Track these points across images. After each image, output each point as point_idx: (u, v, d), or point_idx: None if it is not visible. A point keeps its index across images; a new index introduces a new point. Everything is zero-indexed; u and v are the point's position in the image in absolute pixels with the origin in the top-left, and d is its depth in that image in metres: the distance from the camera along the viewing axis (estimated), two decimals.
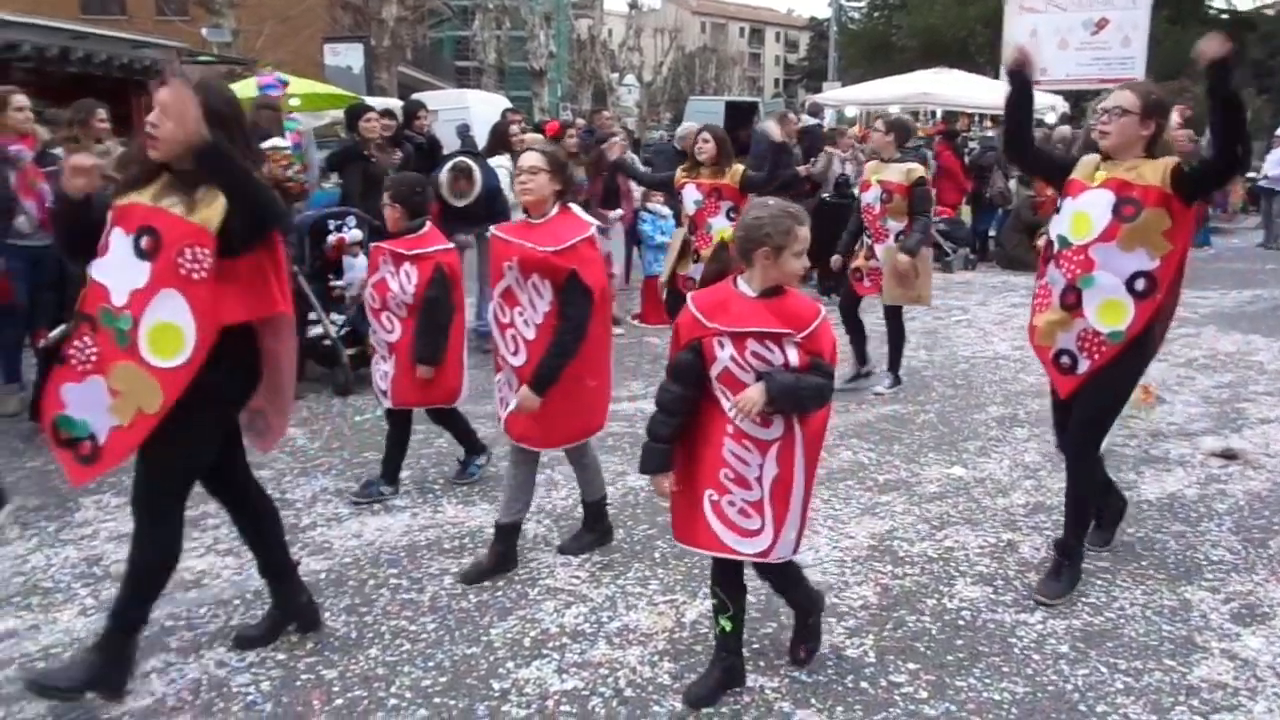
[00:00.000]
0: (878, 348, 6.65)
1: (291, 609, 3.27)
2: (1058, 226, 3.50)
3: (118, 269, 2.71)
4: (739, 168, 6.17)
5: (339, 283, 6.55)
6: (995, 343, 7.93)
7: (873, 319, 6.68)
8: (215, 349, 2.70)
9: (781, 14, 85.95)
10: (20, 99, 5.57)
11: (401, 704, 2.89)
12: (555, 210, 3.56)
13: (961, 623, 3.38)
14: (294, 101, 12.87)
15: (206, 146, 2.58)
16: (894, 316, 6.48)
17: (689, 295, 2.85)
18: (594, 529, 4.01)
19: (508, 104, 16.46)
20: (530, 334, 3.54)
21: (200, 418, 2.77)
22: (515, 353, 3.59)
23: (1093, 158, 3.50)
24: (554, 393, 3.53)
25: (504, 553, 3.77)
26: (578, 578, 3.72)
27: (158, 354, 2.67)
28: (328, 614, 3.41)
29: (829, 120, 15.38)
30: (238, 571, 3.75)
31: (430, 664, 3.10)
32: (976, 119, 15.90)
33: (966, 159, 12.50)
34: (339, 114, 13.99)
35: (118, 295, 2.68)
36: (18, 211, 5.48)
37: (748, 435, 2.72)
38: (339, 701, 2.90)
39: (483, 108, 15.71)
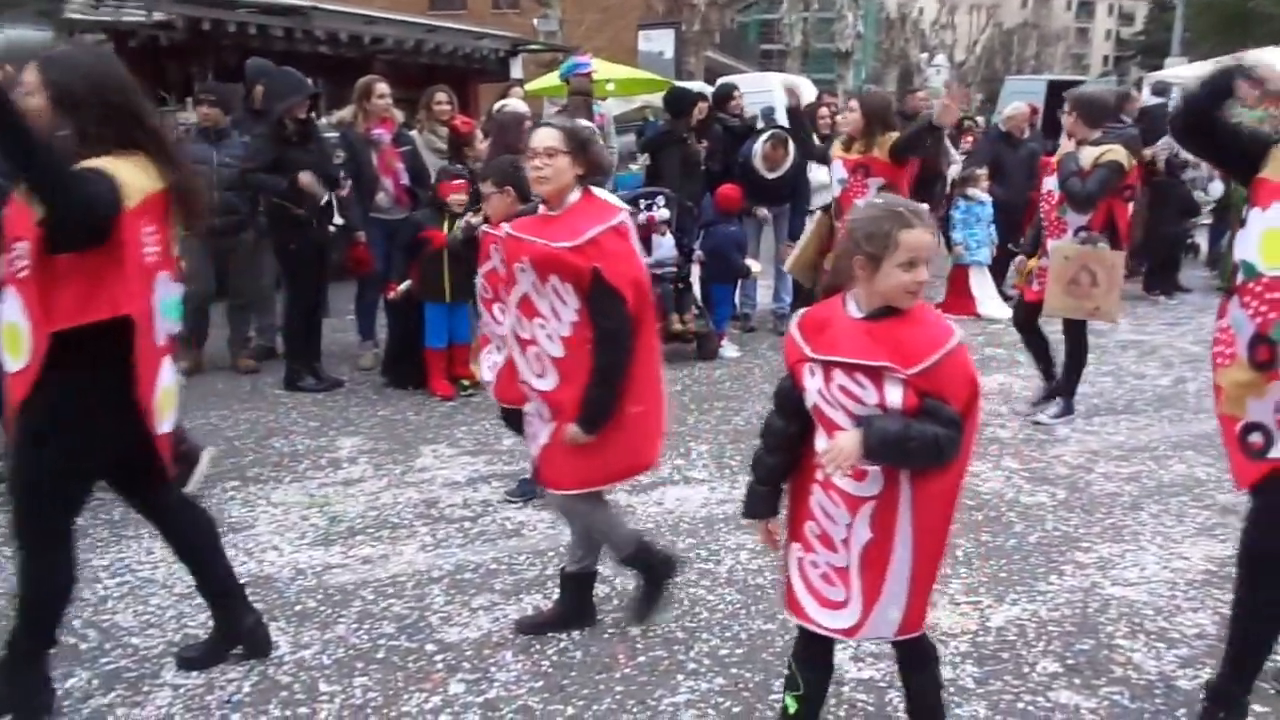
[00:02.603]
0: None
1: (235, 633, 2.97)
2: (1242, 248, 2.53)
3: None
4: (891, 136, 5.31)
5: (647, 260, 6.80)
6: None
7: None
8: (64, 357, 2.41)
9: None
10: (382, 86, 6.22)
11: (700, 669, 2.99)
12: (576, 196, 2.92)
13: None
14: (609, 87, 13.53)
15: None
16: (1072, 330, 5.25)
17: (798, 312, 2.39)
18: (644, 587, 3.23)
19: (811, 86, 16.29)
20: (557, 350, 2.89)
21: (58, 436, 2.51)
22: (541, 375, 2.94)
23: None
24: None
25: (570, 606, 3.25)
26: None
27: (9, 354, 2.49)
28: (631, 574, 3.58)
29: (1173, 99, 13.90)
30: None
31: (727, 634, 3.18)
32: None
33: None
34: (648, 99, 14.55)
35: None
36: (379, 188, 6.16)
37: (835, 486, 2.21)
38: (641, 659, 3.04)
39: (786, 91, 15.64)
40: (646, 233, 6.83)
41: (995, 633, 3.18)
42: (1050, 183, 5.21)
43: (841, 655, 3.04)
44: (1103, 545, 3.83)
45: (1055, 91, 17.03)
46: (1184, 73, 17.46)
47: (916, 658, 2.41)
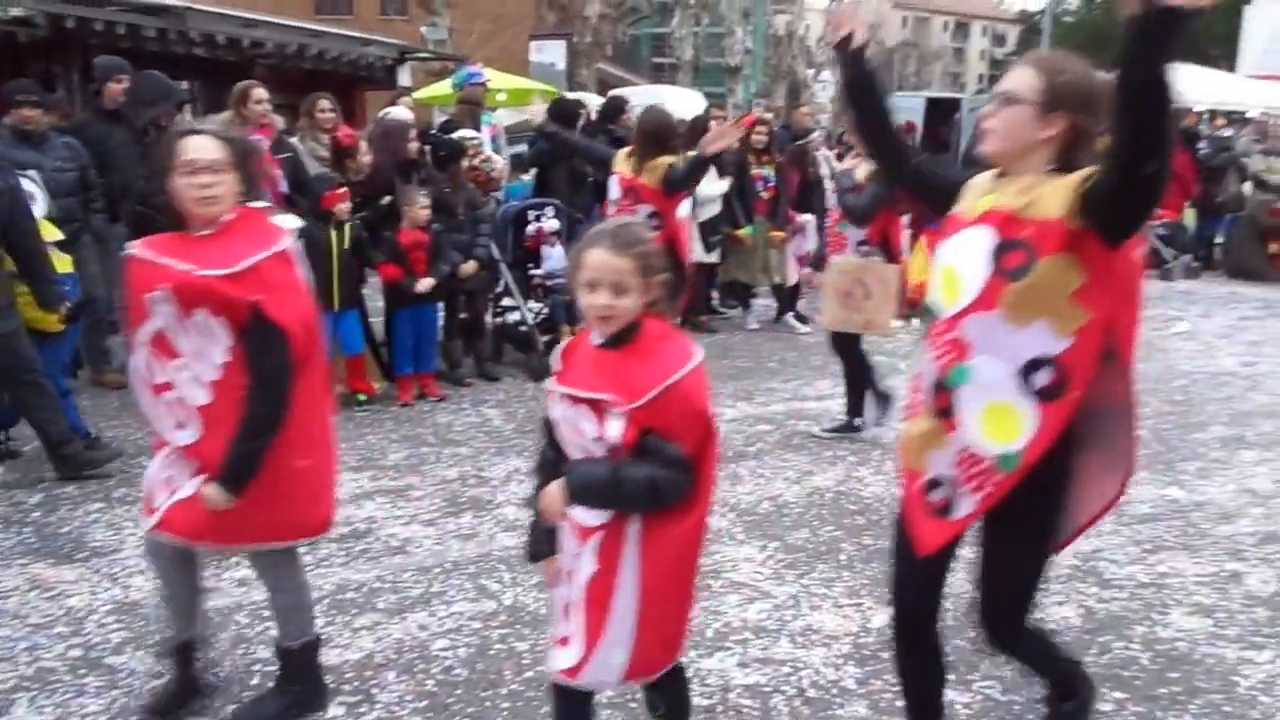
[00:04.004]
0: None
1: None
2: (930, 288, 2.28)
3: None
4: (664, 161, 4.92)
5: (538, 271, 6.78)
6: (1220, 357, 7.32)
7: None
8: None
9: (989, 7, 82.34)
10: (260, 92, 6.04)
11: None
12: (230, 215, 2.45)
13: (1176, 654, 3.14)
14: (500, 96, 13.44)
15: None
16: (843, 346, 5.24)
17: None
18: (290, 687, 2.78)
19: (702, 100, 16.52)
20: (201, 396, 2.42)
21: None
22: (182, 426, 2.45)
23: (988, 175, 2.22)
24: None
25: (182, 680, 2.76)
26: (760, 574, 3.71)
27: None
28: (519, 589, 3.54)
29: None
30: (438, 542, 3.96)
31: None
32: (1206, 117, 14.70)
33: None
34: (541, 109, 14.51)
35: None
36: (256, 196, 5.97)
37: (570, 516, 2.09)
38: (529, 674, 3.01)
39: (678, 104, 15.86)
40: (536, 244, 6.81)
41: (876, 633, 3.25)
42: (834, 200, 5.29)
43: (728, 662, 3.08)
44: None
45: (934, 108, 17.78)
46: None
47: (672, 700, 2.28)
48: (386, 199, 5.78)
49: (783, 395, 6.12)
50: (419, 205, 5.72)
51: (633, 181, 4.99)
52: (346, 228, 5.56)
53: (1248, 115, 14.32)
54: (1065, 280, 1.99)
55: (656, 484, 1.96)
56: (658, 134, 5.03)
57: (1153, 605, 3.47)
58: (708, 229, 7.84)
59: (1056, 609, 3.43)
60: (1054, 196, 2.00)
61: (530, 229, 6.80)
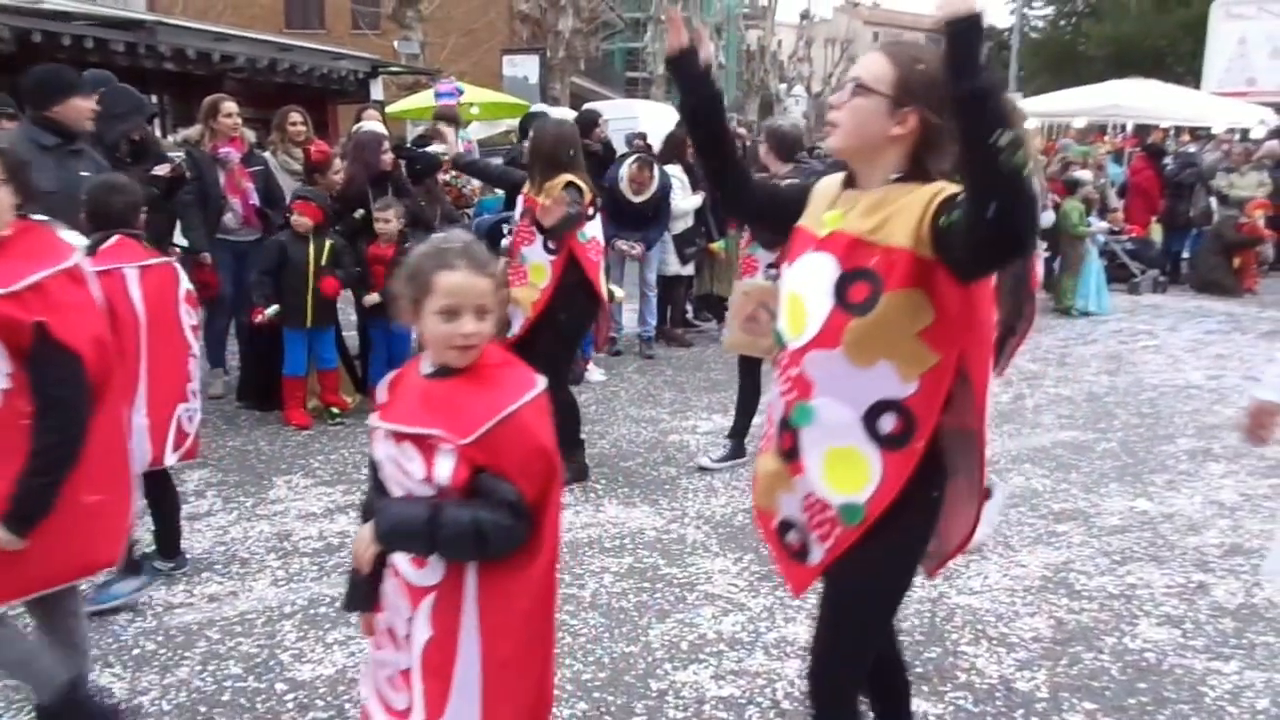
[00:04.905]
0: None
1: None
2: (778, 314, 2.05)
3: None
4: (561, 181, 4.52)
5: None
6: (1187, 370, 7.43)
7: None
8: None
9: None
10: (230, 105, 6.00)
11: (562, 694, 2.95)
12: (7, 231, 2.22)
13: (1145, 665, 3.18)
14: (474, 110, 13.47)
15: None
16: (746, 370, 5.08)
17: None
18: None
19: (674, 114, 16.61)
20: None
21: None
22: None
23: (835, 180, 2.00)
24: None
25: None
26: (736, 585, 3.71)
27: None
28: None
29: None
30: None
31: (590, 659, 3.16)
32: (1173, 132, 14.99)
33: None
34: (512, 123, 14.55)
35: None
36: (226, 209, 5.93)
37: (399, 573, 1.86)
38: None
39: (651, 118, 15.95)
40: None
41: None
42: None
43: (703, 674, 3.08)
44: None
45: None
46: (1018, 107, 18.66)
47: None
48: (359, 212, 5.75)
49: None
50: (384, 220, 5.69)
51: (531, 202, 4.64)
52: (328, 243, 5.53)
53: (1213, 131, 14.63)
54: (912, 318, 1.80)
55: (482, 528, 1.72)
56: (549, 152, 4.63)
57: (1122, 616, 3.51)
58: (682, 242, 7.88)
59: (1028, 619, 3.46)
60: (903, 220, 1.78)
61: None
